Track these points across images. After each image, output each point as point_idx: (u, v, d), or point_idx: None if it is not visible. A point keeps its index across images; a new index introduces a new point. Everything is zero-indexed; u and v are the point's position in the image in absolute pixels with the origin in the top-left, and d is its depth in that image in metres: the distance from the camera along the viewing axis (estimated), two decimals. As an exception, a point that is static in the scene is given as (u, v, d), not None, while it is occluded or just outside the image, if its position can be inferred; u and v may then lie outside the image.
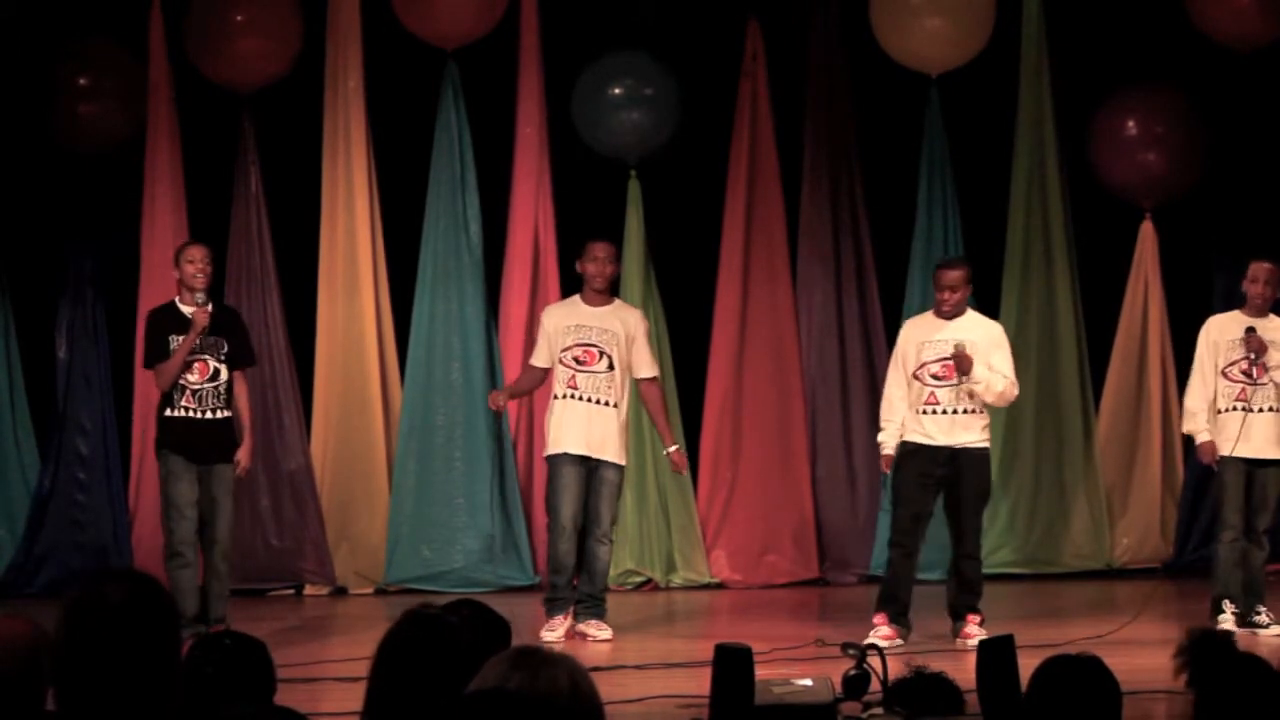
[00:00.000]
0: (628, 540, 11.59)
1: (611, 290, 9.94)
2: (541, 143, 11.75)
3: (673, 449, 9.90)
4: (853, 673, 7.33)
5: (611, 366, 9.61)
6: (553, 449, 9.59)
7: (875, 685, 7.29)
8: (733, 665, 6.79)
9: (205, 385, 9.43)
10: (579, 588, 9.66)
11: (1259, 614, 9.33)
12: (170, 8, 11.69)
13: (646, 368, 9.73)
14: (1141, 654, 8.57)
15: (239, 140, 11.74)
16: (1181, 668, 3.60)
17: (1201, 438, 9.44)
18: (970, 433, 9.31)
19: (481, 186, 11.76)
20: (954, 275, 9.44)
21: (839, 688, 7.29)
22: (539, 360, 9.80)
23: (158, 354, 9.45)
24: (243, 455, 9.58)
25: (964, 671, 7.12)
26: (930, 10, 11.51)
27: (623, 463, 9.66)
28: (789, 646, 8.98)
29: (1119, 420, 11.78)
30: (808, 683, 7.26)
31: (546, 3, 11.67)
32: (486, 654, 3.28)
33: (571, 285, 10.18)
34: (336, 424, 11.73)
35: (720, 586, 11.73)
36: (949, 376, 9.28)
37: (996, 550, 11.72)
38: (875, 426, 9.75)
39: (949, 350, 9.29)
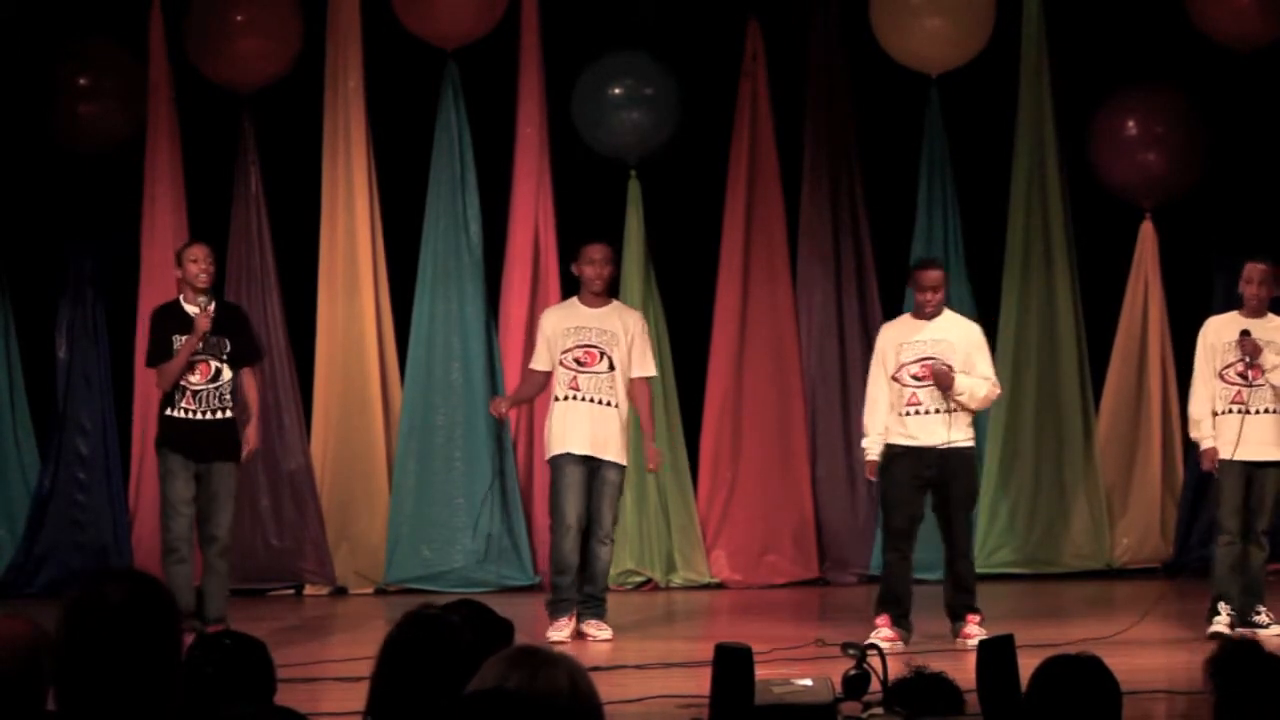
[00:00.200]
0: (628, 540, 11.59)
1: (611, 291, 9.95)
2: (541, 143, 11.75)
3: (655, 447, 9.85)
4: (853, 673, 7.33)
5: (612, 367, 9.62)
6: (555, 449, 9.59)
7: (875, 685, 7.29)
8: (733, 665, 6.79)
9: (206, 386, 9.43)
10: (581, 588, 9.65)
11: (1259, 614, 9.33)
12: (170, 8, 11.69)
13: (646, 367, 9.73)
14: (1142, 654, 8.62)
15: (239, 140, 11.75)
16: (1211, 675, 3.59)
17: (1205, 444, 9.44)
18: (955, 432, 9.31)
19: (481, 186, 11.76)
20: (936, 275, 9.45)
21: (839, 688, 7.29)
22: (539, 364, 9.80)
23: (161, 353, 9.45)
24: (251, 433, 9.55)
25: (964, 671, 7.12)
26: (930, 10, 11.51)
27: (624, 462, 9.66)
28: (789, 646, 8.98)
29: (1119, 420, 11.78)
30: (808, 683, 7.26)
31: (546, 3, 11.67)
32: (489, 654, 3.28)
33: (572, 285, 10.18)
34: (336, 424, 11.73)
35: (720, 586, 11.73)
36: (929, 376, 9.28)
37: (996, 550, 11.72)
38: (875, 426, 9.73)
39: (928, 351, 9.29)
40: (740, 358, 11.82)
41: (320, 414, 11.74)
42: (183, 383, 9.39)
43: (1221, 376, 9.38)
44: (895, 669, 7.35)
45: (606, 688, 4.79)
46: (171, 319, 9.49)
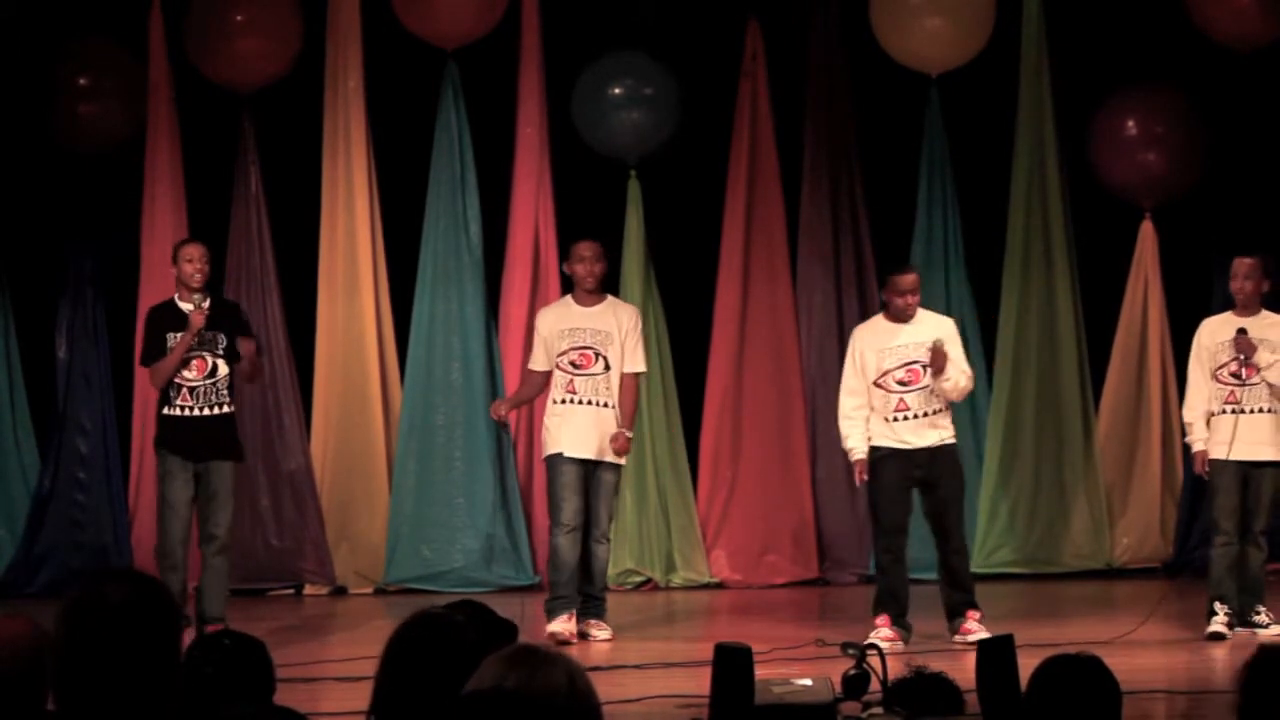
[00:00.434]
0: (628, 540, 11.60)
1: (607, 288, 9.95)
2: (542, 143, 11.74)
3: (624, 431, 9.61)
4: (853, 673, 7.33)
5: (608, 367, 9.61)
6: (552, 449, 9.59)
7: (875, 685, 7.29)
8: (733, 665, 6.80)
9: (203, 382, 9.42)
10: (580, 588, 9.64)
11: (1258, 614, 9.31)
12: (170, 8, 11.69)
13: (635, 363, 9.70)
14: (1142, 654, 8.62)
15: (239, 140, 11.75)
16: (1243, 682, 3.57)
17: (1197, 447, 9.44)
18: (943, 431, 9.34)
19: (481, 186, 11.76)
20: (914, 279, 9.45)
21: (839, 688, 7.29)
22: (537, 365, 9.80)
23: (155, 352, 9.44)
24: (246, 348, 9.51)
25: (964, 671, 7.12)
26: (930, 10, 11.51)
27: (621, 462, 9.66)
28: (789, 646, 8.98)
29: (1119, 420, 11.77)
30: (808, 683, 7.26)
31: (546, 3, 11.67)
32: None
33: (571, 285, 10.18)
34: (336, 424, 11.73)
35: (720, 586, 11.72)
36: (915, 382, 9.27)
37: (996, 550, 11.72)
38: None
39: (911, 355, 9.27)
40: (740, 358, 11.82)
41: (320, 414, 11.74)
42: (179, 380, 9.38)
43: (1215, 377, 9.37)
44: (895, 669, 7.35)
45: (606, 688, 4.80)
46: (166, 317, 9.48)
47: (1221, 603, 9.21)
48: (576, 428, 9.53)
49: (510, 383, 11.37)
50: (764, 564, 11.77)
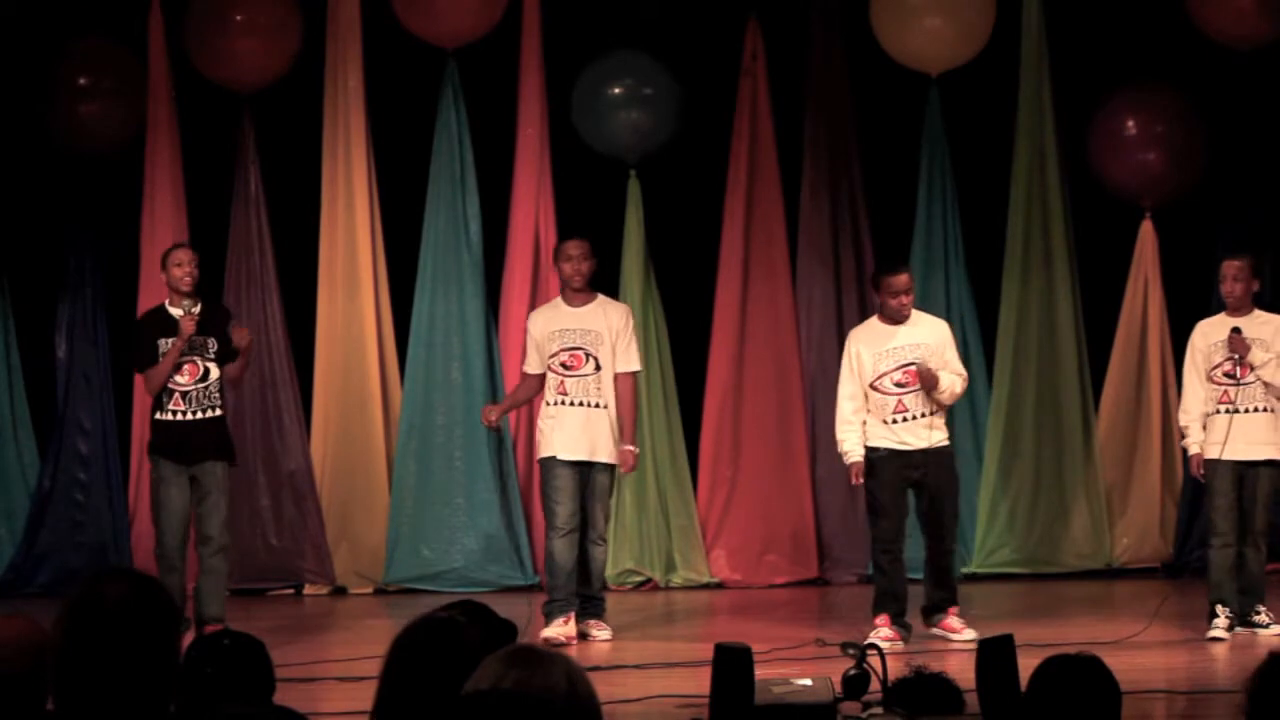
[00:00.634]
0: (628, 540, 11.60)
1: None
2: (542, 143, 11.74)
3: (628, 447, 9.70)
4: (853, 672, 7.33)
5: (599, 367, 9.59)
6: (545, 452, 9.58)
7: (875, 685, 7.29)
8: (733, 665, 6.80)
9: (195, 387, 9.42)
10: (578, 589, 9.63)
11: (1259, 614, 9.31)
12: (170, 8, 11.70)
13: (628, 362, 9.68)
14: (1142, 654, 8.62)
15: (239, 140, 11.75)
16: (1251, 690, 3.55)
17: (1192, 450, 9.44)
18: (940, 432, 9.35)
19: (481, 186, 11.76)
20: (907, 278, 9.45)
21: (839, 688, 7.29)
22: (532, 367, 9.79)
23: (147, 358, 9.45)
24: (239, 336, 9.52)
25: (964, 671, 7.12)
26: (930, 10, 11.51)
27: (615, 462, 9.64)
28: (789, 646, 8.98)
29: (1119, 420, 11.77)
30: (808, 683, 7.26)
31: (546, 3, 11.67)
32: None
33: (569, 285, 10.19)
34: (336, 424, 11.73)
35: (720, 586, 11.72)
36: (912, 384, 9.27)
37: (996, 550, 11.72)
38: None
39: (908, 357, 9.28)
40: (740, 357, 11.82)
41: (320, 414, 11.74)
42: (170, 385, 9.39)
43: (1210, 377, 9.36)
44: (895, 669, 7.36)
45: (606, 688, 4.81)
46: (156, 324, 9.49)
47: (1222, 605, 9.20)
48: (568, 430, 9.52)
49: (510, 383, 11.36)
50: (764, 564, 11.76)
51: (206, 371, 9.44)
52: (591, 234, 10.02)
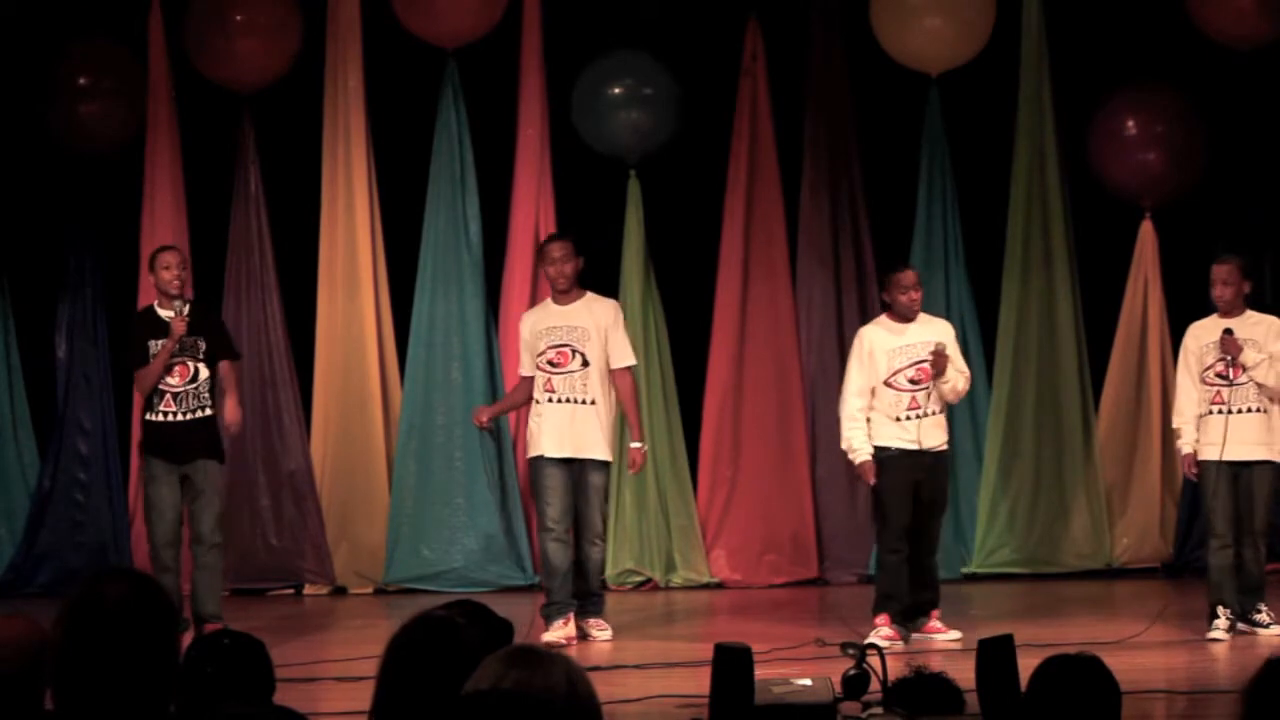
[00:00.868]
0: (628, 540, 11.60)
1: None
2: (542, 143, 11.74)
3: (635, 445, 9.73)
4: (853, 672, 7.33)
5: (586, 364, 9.56)
6: (534, 452, 9.56)
7: (875, 685, 7.29)
8: (733, 665, 6.79)
9: (185, 388, 9.43)
10: (576, 589, 9.61)
11: (1259, 613, 9.30)
12: (170, 8, 11.70)
13: (623, 357, 9.66)
14: (1142, 654, 8.61)
15: (239, 140, 11.75)
16: (1246, 697, 3.54)
17: (1185, 451, 9.43)
18: (944, 433, 9.36)
19: (481, 186, 11.76)
20: (915, 274, 9.48)
21: (839, 688, 7.29)
22: (526, 370, 9.78)
23: (138, 359, 9.46)
24: (230, 407, 9.50)
25: (964, 671, 7.11)
26: (930, 10, 11.51)
27: (608, 459, 9.60)
28: (789, 646, 8.98)
29: (1119, 420, 11.77)
30: (808, 683, 7.26)
31: (547, 3, 11.67)
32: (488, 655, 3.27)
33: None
34: (336, 424, 11.74)
35: (720, 586, 11.72)
36: (925, 380, 9.28)
37: (996, 550, 11.72)
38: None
39: (920, 354, 9.28)
40: (740, 357, 11.82)
41: (320, 414, 11.75)
42: (161, 386, 9.40)
43: (1202, 379, 9.36)
44: (895, 669, 7.35)
45: (606, 688, 4.81)
46: (146, 325, 9.50)
47: (1222, 606, 9.19)
48: (556, 427, 9.49)
49: (510, 383, 11.35)
50: (764, 564, 11.76)
51: (196, 372, 9.44)
52: (575, 232, 10.01)
